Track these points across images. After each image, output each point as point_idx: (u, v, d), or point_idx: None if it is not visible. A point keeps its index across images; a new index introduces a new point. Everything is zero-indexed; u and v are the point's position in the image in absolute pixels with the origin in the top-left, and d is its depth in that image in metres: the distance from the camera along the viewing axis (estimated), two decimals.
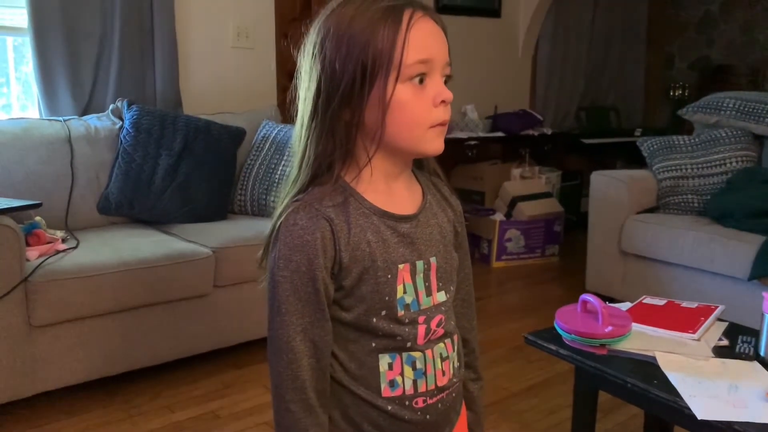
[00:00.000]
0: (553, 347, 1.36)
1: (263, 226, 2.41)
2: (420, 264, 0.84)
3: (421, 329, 0.83)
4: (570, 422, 1.48)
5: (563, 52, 4.80)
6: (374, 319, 0.81)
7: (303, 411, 0.79)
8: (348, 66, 0.76)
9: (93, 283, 1.95)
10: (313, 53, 0.79)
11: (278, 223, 0.80)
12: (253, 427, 1.92)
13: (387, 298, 0.81)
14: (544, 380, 2.23)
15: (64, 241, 2.15)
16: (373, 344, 0.82)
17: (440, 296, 0.86)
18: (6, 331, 1.82)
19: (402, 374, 0.83)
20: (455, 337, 0.89)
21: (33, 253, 1.97)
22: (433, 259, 0.85)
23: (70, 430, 1.88)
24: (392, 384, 0.83)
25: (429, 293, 0.84)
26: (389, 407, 0.83)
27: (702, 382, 1.18)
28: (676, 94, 5.18)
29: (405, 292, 0.82)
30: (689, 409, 1.09)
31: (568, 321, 1.36)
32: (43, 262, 1.92)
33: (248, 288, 2.32)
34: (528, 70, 4.61)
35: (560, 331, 1.36)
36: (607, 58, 5.21)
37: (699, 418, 1.07)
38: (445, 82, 0.81)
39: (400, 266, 0.82)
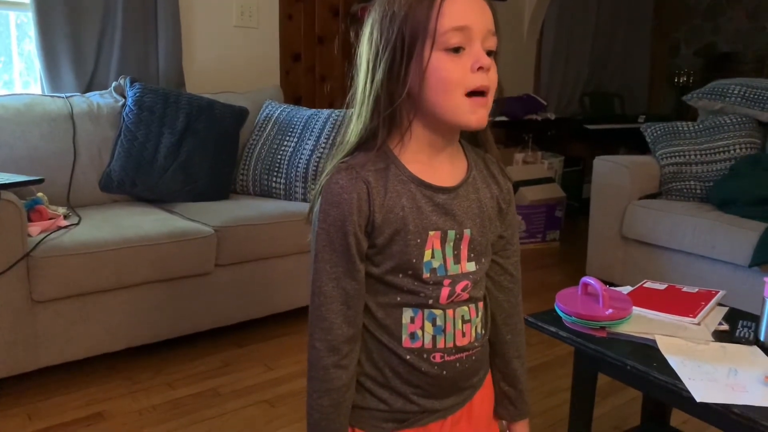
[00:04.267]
0: (553, 329, 1.36)
1: (265, 206, 2.45)
2: (452, 233, 0.88)
3: (445, 291, 0.88)
4: (568, 405, 1.49)
5: (568, 37, 4.77)
6: (400, 275, 0.87)
7: (326, 350, 0.86)
8: (390, 39, 0.82)
9: (95, 259, 1.95)
10: (366, 34, 0.87)
11: (323, 181, 0.86)
12: (253, 405, 1.93)
13: (414, 261, 0.86)
14: (543, 363, 2.24)
15: (65, 217, 2.15)
16: (398, 298, 0.88)
17: (470, 266, 0.90)
18: (8, 306, 1.83)
19: (422, 329, 0.89)
20: (480, 304, 0.94)
21: (35, 229, 1.97)
22: (467, 231, 0.89)
23: (72, 405, 1.90)
24: (413, 336, 0.89)
25: (457, 261, 0.89)
26: (408, 357, 0.89)
27: (701, 365, 1.18)
28: (681, 81, 5.15)
29: (433, 257, 0.87)
30: (688, 391, 1.10)
31: (568, 303, 1.36)
32: (44, 237, 1.93)
33: (249, 267, 2.33)
34: (533, 54, 4.59)
35: (560, 314, 1.36)
36: (612, 44, 5.18)
37: (698, 400, 1.07)
38: (489, 54, 0.83)
39: (431, 233, 0.86)
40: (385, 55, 0.83)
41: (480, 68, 0.81)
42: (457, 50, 0.81)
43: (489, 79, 0.83)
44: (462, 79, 0.81)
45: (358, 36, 0.89)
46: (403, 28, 0.81)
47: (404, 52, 0.82)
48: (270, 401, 1.96)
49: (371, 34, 0.85)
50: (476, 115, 0.83)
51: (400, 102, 0.84)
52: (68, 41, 2.60)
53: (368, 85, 0.85)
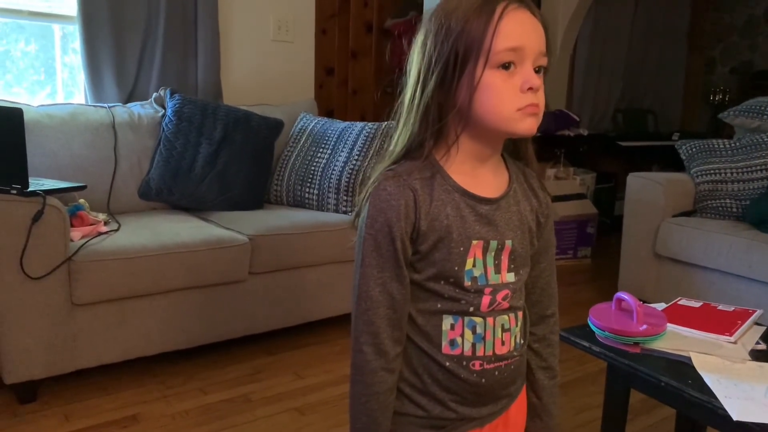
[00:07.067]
0: (585, 344, 1.35)
1: (298, 216, 2.49)
2: (494, 243, 0.90)
3: (486, 299, 0.90)
4: (599, 422, 1.48)
5: (602, 53, 4.75)
6: (441, 282, 0.88)
7: (374, 353, 0.87)
8: (444, 53, 0.84)
9: (133, 264, 2.00)
10: (419, 43, 0.88)
11: (371, 188, 0.88)
12: (284, 412, 1.95)
13: (456, 268, 0.88)
14: (574, 380, 2.22)
15: (106, 223, 2.21)
16: (439, 305, 0.89)
17: (509, 276, 0.92)
18: (49, 308, 1.88)
19: (462, 336, 0.90)
20: (520, 314, 0.95)
21: (76, 234, 2.02)
22: (508, 242, 0.91)
23: (106, 407, 1.94)
24: (452, 343, 0.90)
25: (498, 271, 0.91)
26: (447, 363, 0.90)
27: (738, 384, 1.16)
28: (716, 99, 5.09)
29: (474, 266, 0.89)
30: (724, 410, 1.08)
31: (602, 318, 1.36)
32: (85, 243, 1.98)
33: (282, 276, 2.36)
34: (566, 70, 4.57)
35: (594, 328, 1.36)
36: (646, 60, 5.14)
37: (735, 419, 1.06)
38: (537, 71, 0.85)
39: (474, 242, 0.88)
40: (437, 67, 0.84)
41: (530, 88, 0.83)
42: (507, 66, 0.83)
43: (538, 98, 0.84)
44: (513, 99, 0.83)
45: (408, 43, 0.90)
46: (457, 43, 0.83)
47: (456, 67, 0.83)
48: (299, 409, 1.97)
49: (424, 45, 0.86)
50: (527, 122, 0.85)
51: (448, 114, 0.85)
52: (111, 53, 2.68)
53: (417, 96, 0.86)
